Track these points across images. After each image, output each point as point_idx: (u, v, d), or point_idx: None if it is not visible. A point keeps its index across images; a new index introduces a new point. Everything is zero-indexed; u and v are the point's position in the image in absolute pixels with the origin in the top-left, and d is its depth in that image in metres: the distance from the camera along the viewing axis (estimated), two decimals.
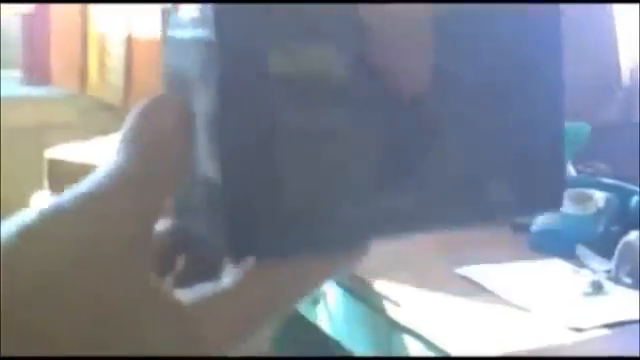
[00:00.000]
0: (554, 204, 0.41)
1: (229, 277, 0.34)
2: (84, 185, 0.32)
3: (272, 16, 0.34)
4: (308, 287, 0.36)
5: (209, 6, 0.33)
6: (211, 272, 0.38)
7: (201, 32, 0.34)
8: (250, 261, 0.35)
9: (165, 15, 2.57)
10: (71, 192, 0.32)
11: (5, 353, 0.29)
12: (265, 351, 0.38)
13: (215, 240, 0.35)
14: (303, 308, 1.79)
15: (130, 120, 0.34)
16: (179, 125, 0.34)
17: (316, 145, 0.35)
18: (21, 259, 0.30)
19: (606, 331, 1.22)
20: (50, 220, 0.31)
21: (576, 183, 1.71)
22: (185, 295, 0.34)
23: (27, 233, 0.31)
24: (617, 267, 1.42)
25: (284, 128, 0.34)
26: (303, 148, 0.34)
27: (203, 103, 0.34)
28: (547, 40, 0.40)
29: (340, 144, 0.35)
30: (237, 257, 0.35)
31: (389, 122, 0.36)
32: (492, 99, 0.39)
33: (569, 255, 1.52)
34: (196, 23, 0.34)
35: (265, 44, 0.34)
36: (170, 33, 0.37)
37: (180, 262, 0.40)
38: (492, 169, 0.39)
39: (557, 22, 0.40)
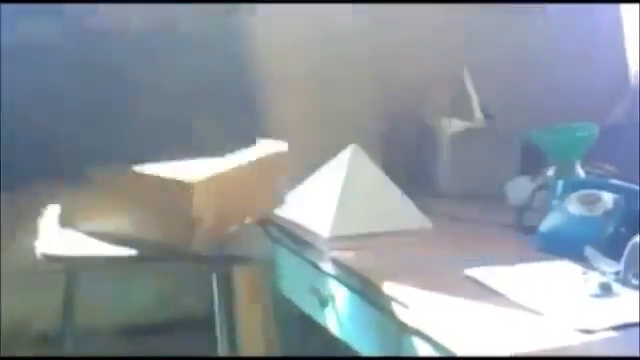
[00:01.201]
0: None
1: None
2: None
3: None
4: None
5: None
6: None
7: None
8: None
9: None
10: None
11: None
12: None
13: None
14: (311, 310, 1.79)
15: None
16: None
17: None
18: None
19: (615, 333, 1.22)
20: None
21: (585, 185, 1.71)
22: None
23: None
24: (626, 269, 1.41)
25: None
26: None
27: None
28: None
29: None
30: None
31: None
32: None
33: (578, 257, 1.52)
34: None
35: None
36: None
37: None
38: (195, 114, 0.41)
39: None
